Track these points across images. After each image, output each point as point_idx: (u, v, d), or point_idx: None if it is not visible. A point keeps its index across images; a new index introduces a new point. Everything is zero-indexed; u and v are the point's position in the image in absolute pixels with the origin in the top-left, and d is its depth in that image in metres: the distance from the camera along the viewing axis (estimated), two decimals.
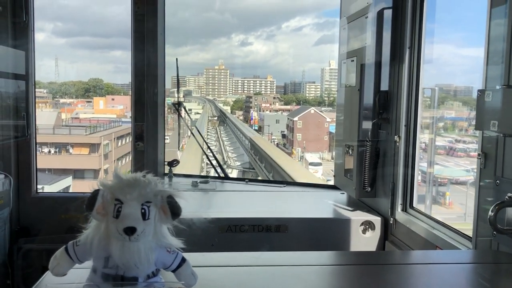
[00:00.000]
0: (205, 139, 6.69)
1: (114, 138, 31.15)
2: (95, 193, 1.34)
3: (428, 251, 2.83)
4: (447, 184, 10.94)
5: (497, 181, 2.19)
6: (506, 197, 2.07)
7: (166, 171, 4.61)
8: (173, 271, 1.41)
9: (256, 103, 75.64)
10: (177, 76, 5.28)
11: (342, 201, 3.96)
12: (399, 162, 3.28)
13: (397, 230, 3.33)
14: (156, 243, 1.36)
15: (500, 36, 2.22)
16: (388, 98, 3.43)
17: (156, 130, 4.38)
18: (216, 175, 5.12)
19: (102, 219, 1.34)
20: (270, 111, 68.94)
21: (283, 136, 55.94)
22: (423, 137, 3.48)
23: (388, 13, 3.35)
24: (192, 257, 1.44)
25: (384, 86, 3.45)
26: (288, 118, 56.72)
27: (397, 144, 3.29)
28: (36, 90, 4.28)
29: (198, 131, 6.17)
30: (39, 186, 4.40)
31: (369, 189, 3.55)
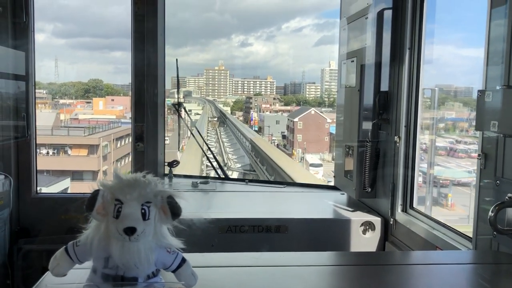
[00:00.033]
0: (205, 140, 6.69)
1: (113, 139, 30.83)
2: (95, 193, 1.34)
3: (428, 252, 2.83)
4: (449, 186, 10.92)
5: (497, 181, 2.19)
6: (506, 197, 2.07)
7: (166, 171, 4.61)
8: (173, 271, 1.41)
9: (256, 104, 75.59)
10: (177, 76, 5.28)
11: (342, 202, 3.95)
12: (399, 162, 3.28)
13: (397, 231, 3.33)
14: (156, 244, 1.36)
15: (500, 36, 2.22)
16: (388, 98, 3.43)
17: (156, 130, 4.38)
18: (216, 175, 5.12)
19: (102, 219, 1.34)
20: (270, 112, 68.90)
21: (283, 137, 55.87)
22: (423, 138, 3.48)
23: (388, 14, 3.36)
24: (192, 258, 1.44)
25: (384, 86, 3.45)
26: (288, 119, 56.63)
27: (397, 144, 3.29)
28: (36, 90, 4.28)
29: (198, 131, 6.17)
30: None
31: (370, 189, 3.55)
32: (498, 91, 2.13)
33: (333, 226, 3.49)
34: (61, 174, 25.47)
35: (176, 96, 5.59)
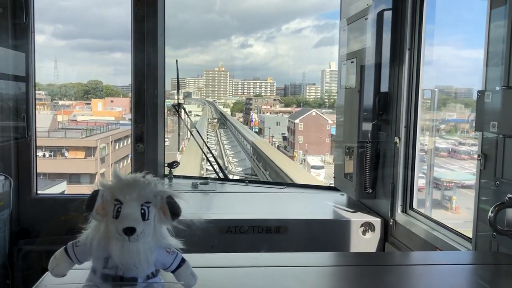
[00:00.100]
0: (206, 142, 6.69)
1: (111, 141, 30.40)
2: (95, 193, 1.34)
3: (428, 252, 2.83)
4: (453, 188, 10.80)
5: (497, 182, 2.19)
6: (506, 198, 2.07)
7: (166, 172, 4.61)
8: (173, 271, 1.41)
9: (256, 105, 75.58)
10: (177, 77, 5.29)
11: (342, 203, 3.95)
12: (399, 163, 3.28)
13: (397, 231, 3.33)
14: (156, 244, 1.36)
15: (499, 37, 2.22)
16: (388, 99, 3.43)
17: (156, 131, 4.38)
18: (216, 176, 5.12)
19: (102, 219, 1.34)
20: (270, 113, 68.85)
21: (284, 138, 55.80)
22: (423, 139, 3.48)
23: (388, 15, 3.36)
24: (192, 258, 1.44)
25: (384, 87, 3.45)
26: (289, 120, 56.54)
27: (397, 145, 3.29)
28: (36, 91, 4.28)
29: (198, 132, 6.16)
30: None
31: (370, 190, 3.54)
32: (498, 92, 2.13)
33: (333, 227, 3.49)
34: (57, 177, 25.10)
35: (176, 97, 5.60)
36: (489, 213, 1.99)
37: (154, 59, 4.29)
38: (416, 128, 3.22)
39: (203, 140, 6.16)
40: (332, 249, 3.35)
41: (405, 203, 3.30)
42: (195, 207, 3.63)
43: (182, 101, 5.51)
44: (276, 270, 1.85)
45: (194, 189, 4.34)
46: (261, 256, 1.98)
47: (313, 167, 37.94)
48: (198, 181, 4.48)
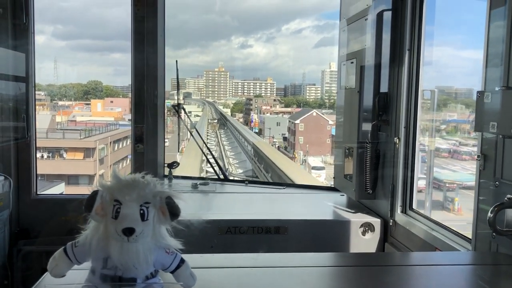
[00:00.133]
0: (206, 143, 6.68)
1: (110, 142, 30.19)
2: (94, 193, 1.34)
3: (428, 253, 2.83)
4: (456, 189, 10.72)
5: (496, 182, 2.19)
6: (506, 198, 2.07)
7: (166, 173, 4.61)
8: (172, 272, 1.41)
9: (256, 106, 75.58)
10: (177, 78, 5.29)
11: (342, 203, 3.95)
12: (399, 164, 3.28)
13: (397, 232, 3.33)
14: (155, 244, 1.36)
15: (499, 38, 2.22)
16: (388, 100, 3.43)
17: (156, 132, 4.38)
18: (216, 176, 5.12)
19: (101, 220, 1.34)
20: (270, 114, 68.84)
21: (285, 139, 55.75)
22: (423, 139, 3.48)
23: (387, 15, 3.36)
24: (191, 259, 1.44)
25: (384, 88, 3.45)
26: (289, 121, 56.48)
27: (397, 146, 3.29)
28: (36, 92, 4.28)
29: (198, 133, 6.16)
30: None
31: (371, 191, 3.54)
32: (497, 92, 2.13)
33: (332, 227, 3.49)
34: (55, 178, 24.85)
35: (176, 97, 5.60)
36: (489, 214, 1.99)
37: (154, 60, 4.29)
38: (415, 129, 3.22)
39: (203, 140, 6.16)
40: (331, 250, 3.35)
41: (404, 204, 3.30)
42: (194, 208, 3.63)
43: (182, 102, 5.51)
44: (276, 271, 1.85)
45: (194, 189, 4.34)
46: (260, 257, 1.98)
47: (314, 168, 37.84)
48: (198, 182, 4.48)
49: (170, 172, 4.58)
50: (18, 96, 4.12)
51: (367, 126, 3.55)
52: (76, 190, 24.60)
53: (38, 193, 4.31)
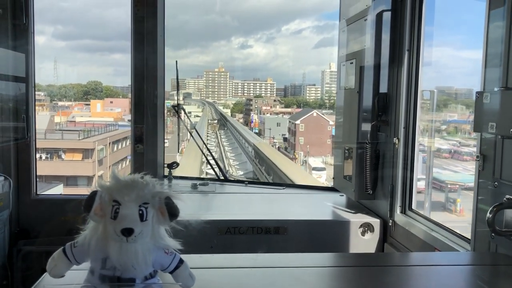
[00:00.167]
0: (206, 143, 6.68)
1: (109, 143, 29.97)
2: (93, 194, 1.34)
3: (427, 253, 2.83)
4: (458, 190, 10.65)
5: (496, 183, 2.19)
6: (505, 199, 2.08)
7: (166, 173, 4.61)
8: (171, 272, 1.41)
9: (256, 106, 75.55)
10: (177, 78, 5.29)
11: (342, 203, 3.96)
12: (398, 164, 3.28)
13: (396, 232, 3.33)
14: (154, 245, 1.36)
15: (498, 38, 2.22)
16: (387, 100, 3.43)
17: (155, 132, 4.39)
18: (216, 177, 5.12)
19: (100, 220, 1.34)
20: (270, 114, 68.79)
21: (285, 139, 55.68)
22: (422, 139, 3.48)
23: (387, 16, 3.36)
24: (191, 259, 1.44)
25: (383, 88, 3.46)
26: (290, 121, 56.38)
27: (396, 146, 3.29)
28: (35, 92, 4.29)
29: (198, 133, 6.16)
30: None
31: (372, 191, 3.54)
32: (496, 93, 2.13)
33: (332, 228, 3.49)
34: (54, 179, 24.58)
35: (175, 98, 5.60)
36: (488, 214, 1.99)
37: (154, 60, 4.30)
38: (415, 129, 3.22)
39: (203, 141, 6.15)
40: (331, 250, 3.35)
41: (404, 204, 3.30)
42: (194, 208, 3.63)
43: (182, 102, 5.51)
44: (275, 271, 1.85)
45: (194, 190, 4.34)
46: (260, 257, 1.98)
47: (315, 168, 37.71)
48: (198, 182, 4.48)
49: (170, 173, 4.58)
50: (18, 96, 4.13)
51: (366, 127, 3.55)
52: (74, 191, 24.38)
53: (38, 193, 4.31)
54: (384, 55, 3.39)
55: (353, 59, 3.72)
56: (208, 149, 6.05)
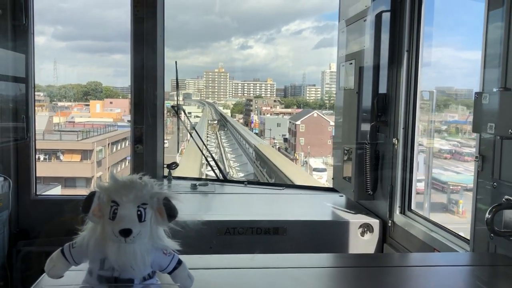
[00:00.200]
0: (206, 144, 6.67)
1: (108, 144, 29.67)
2: (91, 194, 1.34)
3: (426, 254, 2.83)
4: (460, 192, 10.56)
5: (494, 183, 2.19)
6: (504, 199, 2.08)
7: (166, 173, 4.61)
8: (169, 273, 1.41)
9: (256, 106, 75.49)
10: (177, 79, 5.28)
11: (341, 204, 3.96)
12: (398, 164, 3.28)
13: (396, 233, 3.33)
14: (152, 245, 1.36)
15: (497, 39, 2.23)
16: (387, 100, 3.43)
17: (155, 132, 4.39)
18: (216, 177, 5.12)
19: (98, 221, 1.34)
20: (270, 114, 68.72)
21: (285, 140, 55.60)
22: (421, 140, 3.48)
23: (386, 16, 3.36)
24: (190, 259, 1.44)
25: (383, 89, 3.46)
26: (290, 122, 56.28)
27: (396, 146, 3.30)
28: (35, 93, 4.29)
29: (198, 134, 6.16)
30: None
31: (372, 192, 3.54)
32: (495, 93, 2.13)
33: (331, 228, 3.49)
34: (52, 181, 24.12)
35: (175, 98, 5.60)
36: (487, 215, 1.99)
37: (154, 61, 4.30)
38: (414, 130, 3.22)
39: (202, 142, 6.15)
40: (330, 250, 3.35)
41: (403, 205, 3.30)
42: (194, 208, 3.63)
43: (181, 102, 5.51)
44: (275, 272, 1.85)
45: (193, 190, 4.34)
46: (259, 258, 1.98)
47: (315, 169, 37.63)
48: (197, 182, 4.48)
49: (169, 173, 4.58)
50: (18, 97, 4.13)
51: (366, 127, 3.55)
52: (73, 193, 24.17)
53: (37, 194, 4.31)
54: (384, 55, 3.39)
55: (353, 59, 3.72)
56: (208, 150, 6.05)
